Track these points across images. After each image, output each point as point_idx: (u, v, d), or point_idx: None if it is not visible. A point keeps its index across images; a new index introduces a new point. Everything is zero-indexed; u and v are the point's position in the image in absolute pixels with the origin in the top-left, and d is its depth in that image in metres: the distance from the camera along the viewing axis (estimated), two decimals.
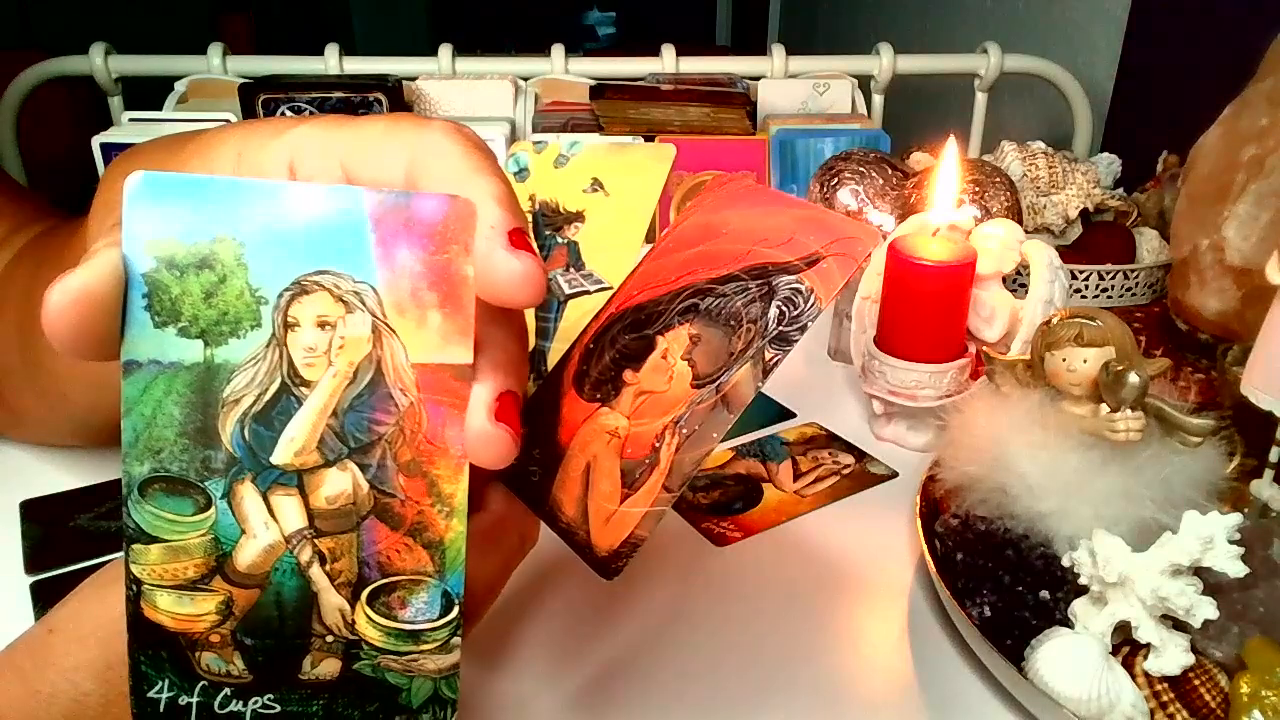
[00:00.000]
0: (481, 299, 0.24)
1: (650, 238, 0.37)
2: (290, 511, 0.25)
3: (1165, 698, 0.36)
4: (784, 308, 0.28)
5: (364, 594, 0.25)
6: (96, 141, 0.79)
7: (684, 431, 0.28)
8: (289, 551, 0.25)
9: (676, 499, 0.27)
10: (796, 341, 0.27)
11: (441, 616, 0.25)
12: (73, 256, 0.36)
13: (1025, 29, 1.34)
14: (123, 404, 0.23)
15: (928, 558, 0.43)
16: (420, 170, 0.25)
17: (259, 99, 0.85)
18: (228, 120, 0.84)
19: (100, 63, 0.97)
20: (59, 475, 0.52)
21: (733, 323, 0.28)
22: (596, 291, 0.34)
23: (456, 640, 0.26)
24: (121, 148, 0.79)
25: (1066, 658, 0.36)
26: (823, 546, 0.49)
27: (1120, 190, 0.88)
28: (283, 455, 0.24)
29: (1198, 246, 0.63)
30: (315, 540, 0.25)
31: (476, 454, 0.25)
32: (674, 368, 0.29)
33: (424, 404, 0.24)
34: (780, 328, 0.27)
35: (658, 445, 0.28)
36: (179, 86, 0.94)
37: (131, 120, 0.87)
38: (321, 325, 0.24)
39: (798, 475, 0.55)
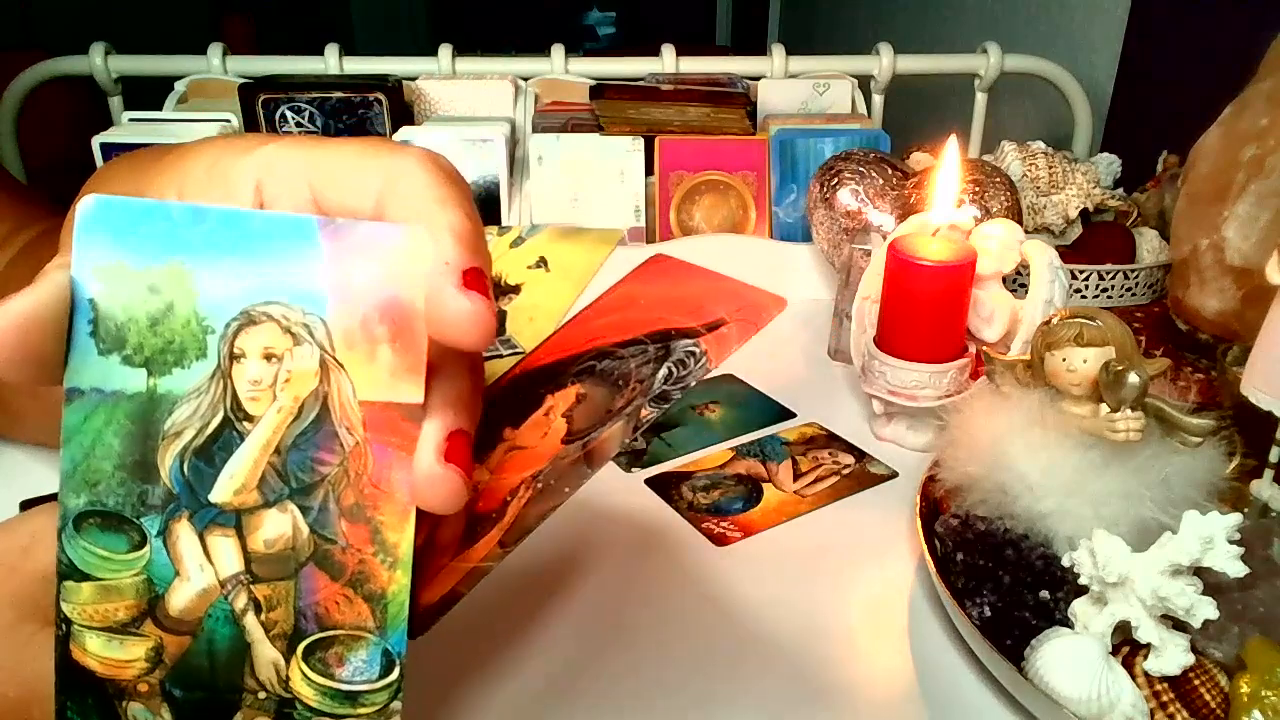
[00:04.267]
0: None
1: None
2: (227, 554, 0.23)
3: (1165, 698, 0.36)
4: (673, 368, 0.27)
5: (300, 648, 0.24)
6: (96, 141, 0.79)
7: (539, 485, 0.27)
8: (223, 597, 0.23)
9: (507, 555, 0.26)
10: (676, 399, 0.27)
11: (382, 677, 0.24)
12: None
13: (1025, 29, 1.34)
14: (62, 433, 0.23)
15: (928, 558, 0.43)
16: (389, 196, 0.24)
17: (259, 99, 0.85)
18: (228, 120, 0.84)
19: (100, 63, 0.97)
20: (59, 475, 0.52)
21: (621, 382, 0.28)
22: (509, 355, 0.35)
23: (397, 705, 0.24)
24: (121, 148, 0.79)
25: (1066, 658, 0.36)
26: (823, 546, 0.49)
27: (1120, 190, 0.88)
28: (222, 493, 0.23)
29: (1198, 246, 0.63)
30: (251, 586, 0.23)
31: (424, 497, 0.23)
32: (552, 424, 0.28)
33: (370, 444, 0.23)
34: (664, 387, 0.27)
35: (508, 499, 0.27)
36: (179, 86, 0.94)
37: (131, 120, 0.87)
38: (268, 357, 0.23)
39: (798, 475, 0.55)
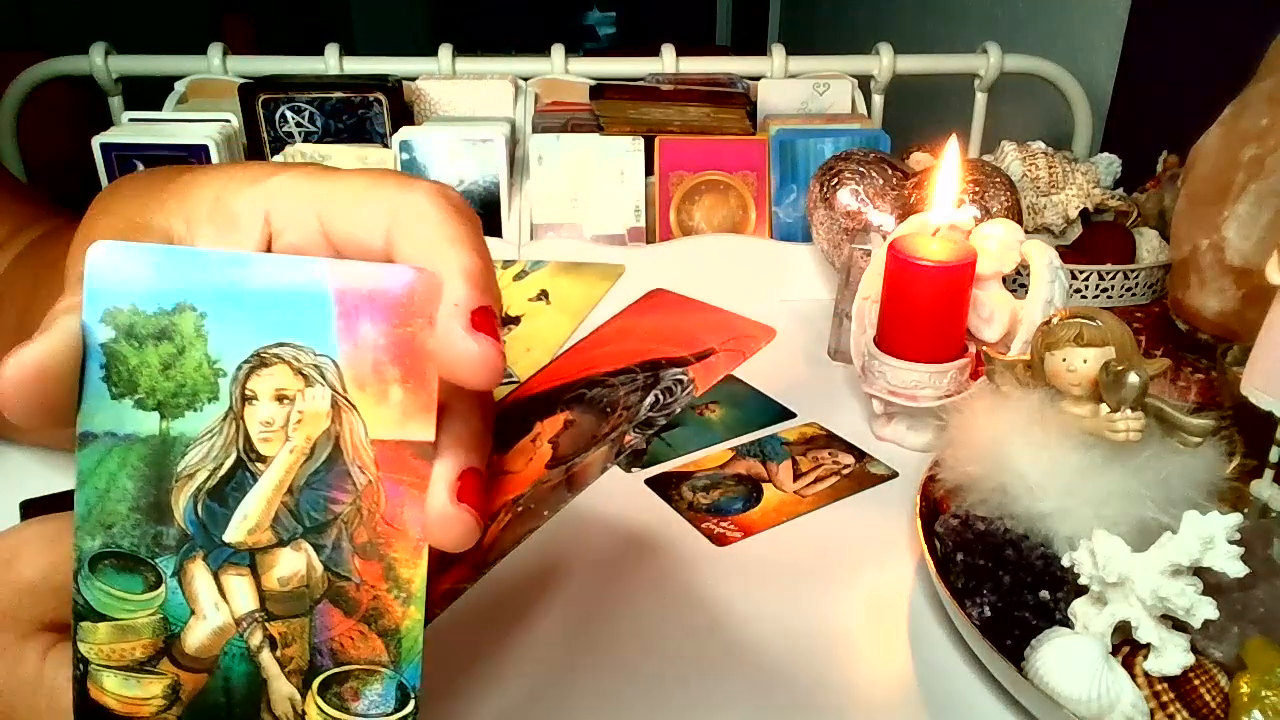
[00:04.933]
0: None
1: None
2: (241, 592, 0.24)
3: (1165, 698, 0.36)
4: (660, 395, 0.27)
5: (315, 683, 0.24)
6: (96, 141, 0.79)
7: (518, 509, 0.27)
8: (239, 635, 0.24)
9: (481, 578, 0.26)
10: (660, 425, 0.27)
11: (396, 710, 0.24)
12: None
13: (1025, 29, 1.34)
14: (76, 477, 0.23)
15: (928, 558, 0.43)
16: (399, 232, 0.25)
17: (259, 99, 0.85)
18: (228, 120, 0.84)
19: (100, 63, 0.97)
20: (59, 475, 0.52)
21: (609, 410, 0.28)
22: (504, 384, 0.35)
23: None
24: (121, 148, 0.79)
25: (1066, 658, 0.36)
26: (823, 547, 0.49)
27: (1120, 190, 0.88)
28: (236, 533, 0.24)
29: (1198, 246, 0.63)
30: (266, 624, 0.24)
31: (436, 536, 0.24)
32: (538, 450, 0.28)
33: (383, 483, 0.24)
34: (650, 413, 0.27)
35: (487, 524, 0.27)
36: (179, 86, 0.94)
37: (131, 120, 0.87)
38: (280, 399, 0.23)
39: (798, 475, 0.55)
